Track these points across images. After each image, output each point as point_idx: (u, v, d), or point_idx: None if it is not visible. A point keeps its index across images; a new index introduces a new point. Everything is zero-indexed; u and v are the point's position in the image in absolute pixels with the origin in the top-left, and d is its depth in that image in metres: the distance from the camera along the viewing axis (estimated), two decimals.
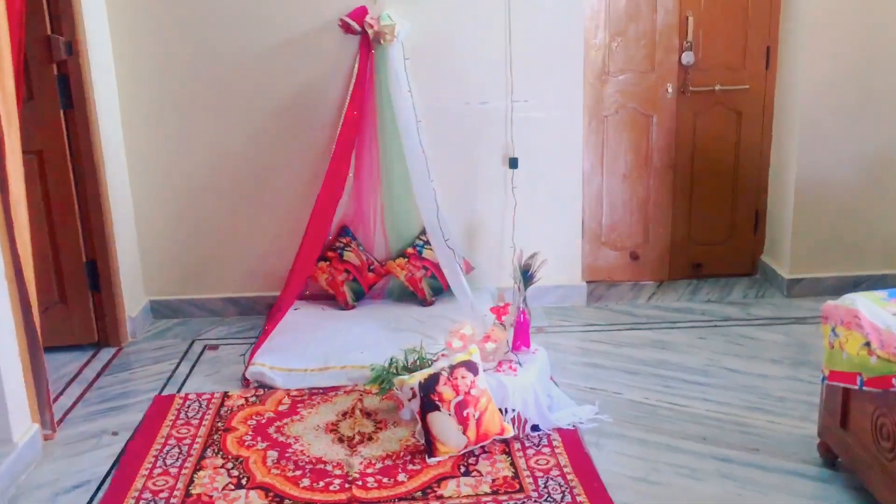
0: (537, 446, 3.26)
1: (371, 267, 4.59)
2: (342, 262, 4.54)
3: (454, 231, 4.47)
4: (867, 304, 2.76)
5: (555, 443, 3.28)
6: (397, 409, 3.53)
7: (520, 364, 3.37)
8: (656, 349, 4.12)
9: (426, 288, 4.56)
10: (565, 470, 3.09)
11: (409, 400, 3.24)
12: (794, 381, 3.73)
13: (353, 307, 4.57)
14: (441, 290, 4.58)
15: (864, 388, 2.66)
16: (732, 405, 3.54)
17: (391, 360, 3.60)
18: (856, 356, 2.67)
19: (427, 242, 4.56)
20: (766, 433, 3.31)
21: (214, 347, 4.35)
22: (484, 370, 3.29)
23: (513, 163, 4.47)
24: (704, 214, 4.98)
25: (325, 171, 4.39)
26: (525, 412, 3.31)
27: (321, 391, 3.78)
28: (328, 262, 4.54)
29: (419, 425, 3.29)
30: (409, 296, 4.65)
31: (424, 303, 4.57)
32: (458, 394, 3.17)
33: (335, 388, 3.80)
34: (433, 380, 3.20)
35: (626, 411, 3.52)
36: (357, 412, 3.57)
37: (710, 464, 3.11)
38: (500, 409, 3.27)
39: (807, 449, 3.17)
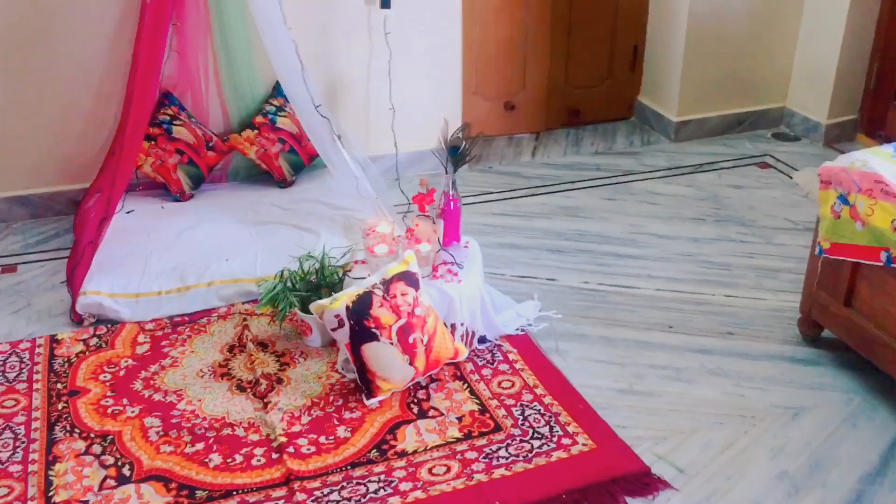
0: (492, 364, 2.67)
1: (210, 143, 3.60)
2: (171, 141, 3.50)
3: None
4: (886, 166, 2.36)
5: (511, 356, 2.70)
6: (301, 333, 2.77)
7: (459, 266, 2.70)
8: (569, 217, 3.61)
9: (284, 165, 3.67)
10: (538, 392, 2.54)
11: (334, 330, 2.49)
12: (728, 243, 3.39)
13: (191, 196, 3.59)
14: (302, 166, 3.72)
15: None
16: (680, 280, 3.14)
17: (283, 272, 2.80)
18: (889, 230, 2.29)
19: (280, 108, 3.64)
20: (729, 310, 2.96)
21: (12, 269, 3.25)
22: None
23: (384, 1, 3.56)
24: (583, 54, 4.41)
25: (138, 18, 3.27)
26: (473, 324, 2.69)
27: (187, 319, 2.90)
28: (153, 142, 3.48)
29: (344, 356, 2.58)
30: (260, 175, 3.74)
31: (283, 184, 3.70)
32: (399, 316, 2.47)
33: (205, 313, 2.93)
34: (365, 301, 2.46)
35: (571, 302, 3.01)
36: (249, 344, 2.76)
37: (692, 359, 2.70)
38: (445, 325, 2.62)
39: (780, 325, 2.86)
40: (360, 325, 2.45)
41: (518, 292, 3.04)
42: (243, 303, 2.98)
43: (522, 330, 2.83)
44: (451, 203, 2.75)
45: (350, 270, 2.72)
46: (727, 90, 4.37)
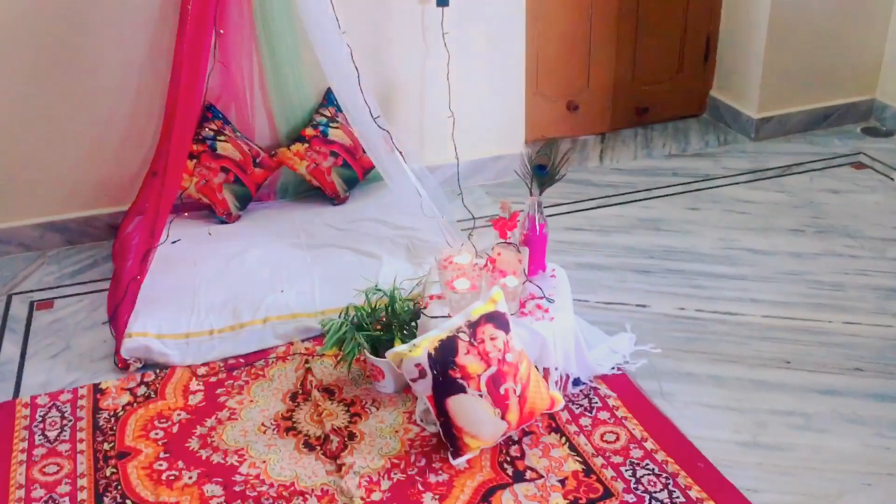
0: (590, 412, 2.35)
1: (257, 159, 3.30)
2: (216, 158, 3.21)
3: None
4: None
5: (610, 401, 2.38)
6: (371, 378, 2.47)
7: (550, 300, 2.38)
8: (650, 231, 3.27)
9: (336, 180, 3.37)
10: (648, 446, 2.22)
11: (415, 380, 2.19)
12: (835, 259, 3.04)
13: (238, 217, 3.30)
14: (356, 180, 3.41)
15: None
16: (789, 304, 2.80)
17: (347, 309, 2.50)
18: None
19: (332, 119, 3.33)
20: (852, 341, 2.61)
21: (47, 304, 2.98)
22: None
23: None
24: (650, 47, 4.05)
25: (177, 27, 2.98)
26: (567, 366, 2.37)
27: (242, 362, 2.61)
28: (196, 160, 3.19)
29: (423, 405, 2.28)
30: (309, 192, 3.45)
31: (336, 200, 3.39)
32: (488, 364, 2.16)
33: (262, 354, 2.64)
34: (449, 347, 2.15)
35: (668, 333, 2.68)
36: (314, 392, 2.46)
37: (820, 402, 2.36)
38: (537, 369, 2.30)
39: None
40: (445, 375, 2.14)
41: (607, 322, 2.72)
42: (303, 341, 2.68)
43: (619, 368, 2.51)
44: (539, 229, 2.42)
45: (425, 307, 2.41)
46: (811, 82, 4.00)
